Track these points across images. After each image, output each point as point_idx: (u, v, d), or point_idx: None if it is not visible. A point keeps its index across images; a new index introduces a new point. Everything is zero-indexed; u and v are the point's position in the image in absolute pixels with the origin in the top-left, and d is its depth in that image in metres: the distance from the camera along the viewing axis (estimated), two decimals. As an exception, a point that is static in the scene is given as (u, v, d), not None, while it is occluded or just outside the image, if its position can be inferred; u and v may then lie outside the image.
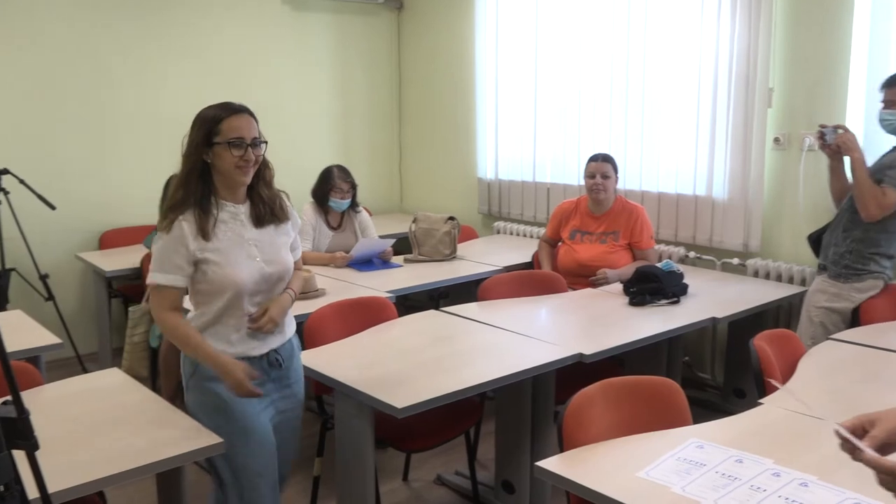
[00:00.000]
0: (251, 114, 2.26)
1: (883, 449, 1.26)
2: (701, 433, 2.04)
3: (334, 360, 2.65)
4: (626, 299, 3.44)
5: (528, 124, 5.08)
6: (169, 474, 2.15)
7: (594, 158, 3.99)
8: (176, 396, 3.89)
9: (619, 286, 3.60)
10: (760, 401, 2.29)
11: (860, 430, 1.30)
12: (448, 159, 5.76)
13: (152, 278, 2.19)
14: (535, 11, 4.92)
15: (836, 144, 3.16)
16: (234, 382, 2.16)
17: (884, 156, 3.23)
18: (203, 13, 5.16)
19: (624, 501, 1.71)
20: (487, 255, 4.45)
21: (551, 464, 1.91)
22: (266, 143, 2.28)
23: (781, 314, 3.92)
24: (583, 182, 4.05)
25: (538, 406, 2.97)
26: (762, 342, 2.58)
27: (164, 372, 3.94)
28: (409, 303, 4.30)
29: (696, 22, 4.10)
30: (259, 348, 2.31)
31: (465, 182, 5.62)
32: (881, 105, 3.14)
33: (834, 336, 2.92)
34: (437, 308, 3.36)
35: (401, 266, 4.19)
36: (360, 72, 5.90)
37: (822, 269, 3.36)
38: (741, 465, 1.84)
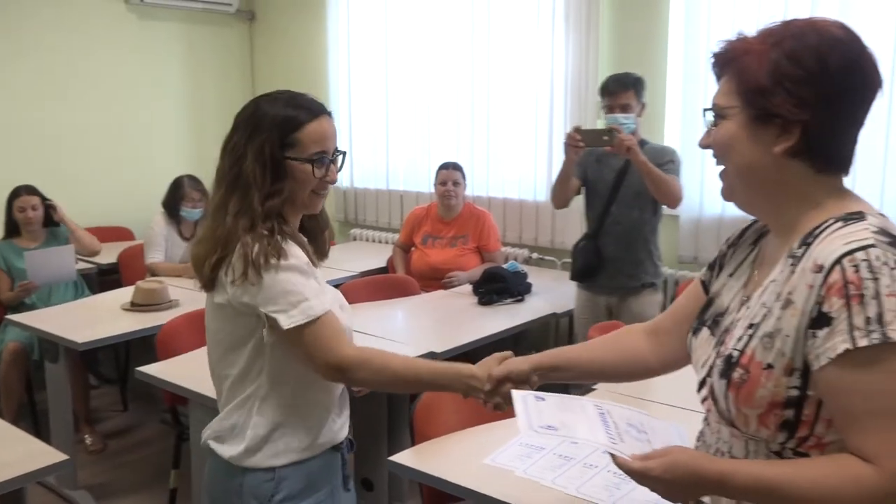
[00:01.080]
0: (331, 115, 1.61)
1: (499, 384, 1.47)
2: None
3: (188, 371, 2.56)
4: (475, 299, 3.54)
5: (382, 133, 5.11)
6: (10, 496, 2.00)
7: (444, 166, 4.07)
8: (19, 417, 3.64)
9: (468, 287, 3.69)
10: (593, 386, 2.42)
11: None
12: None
13: (310, 310, 1.45)
14: (385, 23, 4.97)
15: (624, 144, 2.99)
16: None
17: (631, 162, 3.12)
18: (42, 20, 4.83)
19: (471, 487, 1.76)
20: (344, 261, 4.44)
21: (403, 458, 1.93)
22: (343, 153, 1.64)
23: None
24: (433, 189, 4.13)
25: (393, 405, 3.00)
26: (595, 333, 2.73)
27: (4, 392, 3.67)
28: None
29: (533, 40, 4.28)
30: (344, 428, 1.65)
31: (321, 191, 5.57)
32: (604, 111, 3.17)
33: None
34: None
35: (258, 275, 4.09)
36: (213, 82, 5.72)
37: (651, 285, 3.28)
38: (576, 446, 1.92)
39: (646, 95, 3.22)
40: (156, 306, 3.25)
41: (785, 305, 1.03)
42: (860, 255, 0.96)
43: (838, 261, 0.97)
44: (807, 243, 1.04)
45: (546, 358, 1.51)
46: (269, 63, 5.86)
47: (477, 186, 4.63)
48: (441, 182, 4.02)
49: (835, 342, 0.96)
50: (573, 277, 3.37)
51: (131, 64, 5.30)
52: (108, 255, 4.39)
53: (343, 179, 5.38)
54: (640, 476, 1.08)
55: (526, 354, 1.56)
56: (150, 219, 4.18)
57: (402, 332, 3.08)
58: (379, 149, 5.15)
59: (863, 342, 0.94)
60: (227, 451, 1.52)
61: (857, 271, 0.96)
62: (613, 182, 3.22)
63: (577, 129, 3.10)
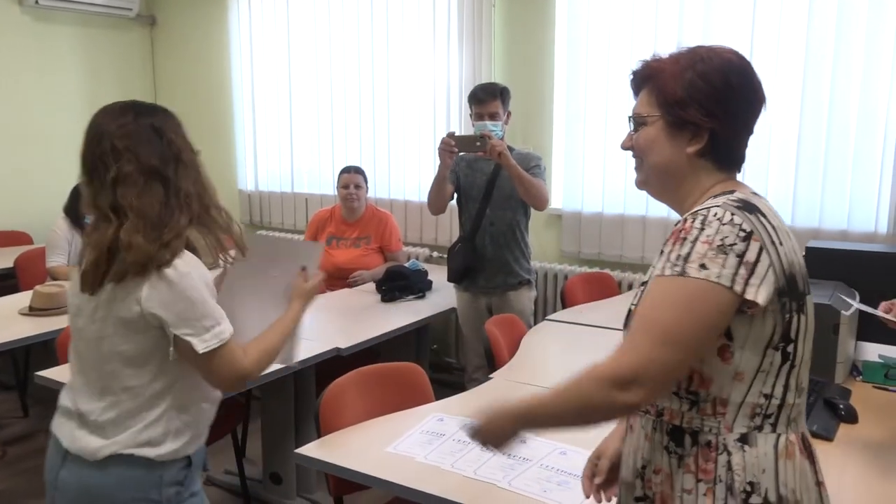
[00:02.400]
0: None
1: (612, 471, 1.37)
2: (442, 408, 2.18)
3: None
4: (379, 297, 3.54)
5: (286, 137, 5.03)
6: None
7: (346, 170, 4.03)
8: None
9: (372, 286, 3.69)
10: (491, 375, 2.48)
11: (592, 466, 1.42)
12: (209, 171, 5.50)
13: (221, 334, 1.55)
14: (287, 28, 4.89)
15: (494, 149, 3.04)
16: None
17: (500, 167, 3.20)
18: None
19: (373, 474, 1.77)
20: (250, 262, 4.34)
21: (309, 450, 1.92)
22: None
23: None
24: (337, 192, 4.09)
25: (300, 400, 2.97)
26: (492, 326, 2.80)
27: None
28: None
29: (430, 48, 4.32)
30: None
31: (226, 193, 5.42)
32: (473, 118, 3.22)
33: (549, 317, 3.23)
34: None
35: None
36: (113, 87, 5.46)
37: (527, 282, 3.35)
38: (474, 431, 1.98)
39: (510, 104, 3.30)
40: (56, 310, 3.08)
41: (659, 257, 1.17)
42: (703, 211, 1.13)
43: (685, 216, 1.15)
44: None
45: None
46: (171, 68, 5.66)
47: (379, 189, 4.63)
48: (343, 186, 3.99)
49: (655, 269, 1.15)
50: (451, 279, 3.39)
51: (27, 67, 5.00)
52: (4, 259, 4.13)
53: (248, 182, 5.27)
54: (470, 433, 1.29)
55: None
56: (50, 223, 3.96)
57: (307, 329, 3.02)
58: (283, 152, 5.06)
59: (667, 272, 1.10)
60: (152, 452, 1.56)
61: (693, 221, 1.12)
62: (486, 186, 3.28)
63: (451, 135, 3.16)
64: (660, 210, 3.74)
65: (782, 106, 3.40)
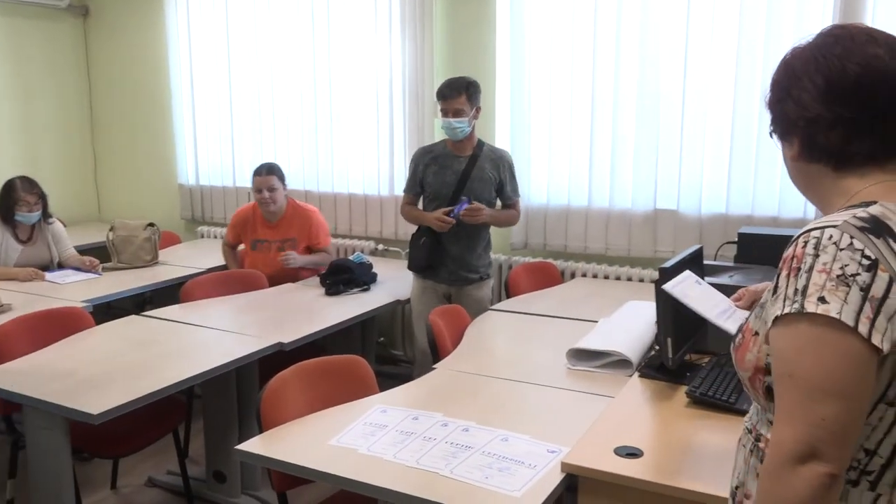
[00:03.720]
0: None
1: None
2: (385, 400, 2.17)
3: (22, 376, 2.36)
4: (323, 290, 3.51)
5: (226, 130, 4.93)
6: None
7: (258, 172, 3.80)
8: None
9: (316, 280, 3.65)
10: (434, 366, 2.48)
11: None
12: (148, 166, 5.38)
13: None
14: (227, 19, 4.77)
15: (469, 215, 3.17)
16: None
17: (472, 165, 3.27)
18: None
19: (315, 468, 1.76)
20: (190, 258, 4.25)
21: (250, 445, 1.89)
22: None
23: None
24: (251, 195, 3.94)
25: (244, 396, 2.93)
26: (435, 317, 2.80)
27: None
28: (114, 311, 3.96)
29: (372, 41, 4.29)
30: None
31: (166, 188, 5.30)
32: (440, 115, 3.24)
33: (493, 307, 3.25)
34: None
35: (99, 275, 3.84)
36: (44, 79, 5.27)
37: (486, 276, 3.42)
38: (417, 421, 1.98)
39: (480, 99, 3.30)
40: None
41: (774, 289, 1.04)
42: (815, 233, 0.98)
43: (799, 237, 1.01)
44: None
45: None
46: (105, 60, 5.47)
47: (322, 182, 4.59)
48: (257, 190, 3.77)
49: (774, 308, 0.99)
50: (412, 268, 3.41)
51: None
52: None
53: (188, 177, 5.15)
54: None
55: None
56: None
57: (249, 325, 2.99)
58: (224, 145, 4.96)
59: (786, 310, 0.96)
60: None
61: (804, 247, 0.98)
62: (456, 185, 3.28)
63: (447, 213, 3.22)
64: (602, 201, 3.80)
65: (717, 98, 3.48)
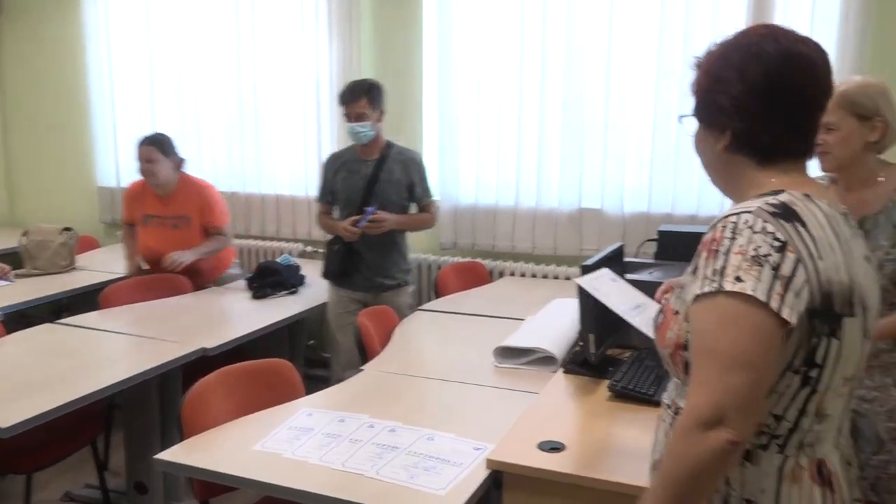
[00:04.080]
0: None
1: None
2: (311, 403, 2.15)
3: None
4: (250, 294, 3.44)
5: (148, 129, 4.71)
6: None
7: (140, 142, 3.59)
8: None
9: (242, 283, 3.58)
10: (362, 367, 2.47)
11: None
12: (65, 167, 5.15)
13: None
14: (148, 17, 4.62)
15: (371, 226, 3.15)
16: None
17: (380, 168, 3.23)
18: None
19: (238, 475, 1.72)
20: (110, 263, 4.10)
21: (170, 454, 1.84)
22: None
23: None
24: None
25: (166, 405, 2.84)
26: (364, 318, 2.78)
27: None
28: (29, 320, 3.78)
29: (298, 41, 4.23)
30: None
31: (84, 190, 5.09)
32: (345, 119, 3.20)
33: (422, 307, 3.25)
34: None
35: (11, 283, 3.66)
36: (-50, 76, 5.01)
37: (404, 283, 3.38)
38: (343, 423, 1.97)
39: (384, 101, 3.25)
40: None
41: (693, 270, 1.12)
42: (733, 218, 1.06)
43: (717, 223, 1.09)
44: None
45: None
46: (19, 56, 5.21)
47: (250, 183, 4.50)
48: (137, 159, 3.57)
49: (693, 287, 1.06)
50: (326, 276, 3.35)
51: None
52: None
53: (109, 179, 4.97)
54: None
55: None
56: None
57: (171, 331, 2.90)
58: (146, 147, 4.80)
59: (705, 289, 1.03)
60: None
61: (723, 231, 1.06)
62: (365, 190, 3.23)
63: (354, 224, 3.16)
64: (529, 201, 3.85)
65: (639, 100, 3.58)
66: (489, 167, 3.92)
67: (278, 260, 3.71)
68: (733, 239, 1.03)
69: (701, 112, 1.18)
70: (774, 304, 0.99)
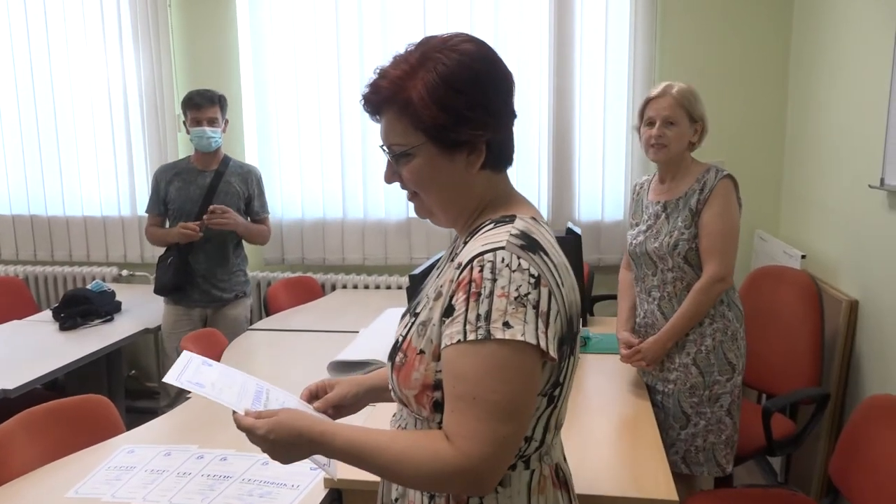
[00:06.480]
0: None
1: (337, 411, 1.31)
2: (133, 438, 2.01)
3: None
4: (57, 325, 3.16)
5: None
6: None
7: None
8: None
9: (48, 314, 3.29)
10: (188, 395, 2.35)
11: (322, 391, 1.33)
12: None
13: None
14: (8, 23, 4.11)
15: (217, 217, 3.06)
16: None
17: (219, 179, 3.16)
18: None
19: (49, 526, 1.58)
20: None
21: (-34, 513, 1.65)
22: None
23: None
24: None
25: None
26: (187, 342, 2.65)
27: None
28: None
29: (100, 50, 3.96)
30: None
31: None
32: (188, 124, 3.11)
33: (252, 327, 3.16)
34: None
35: None
36: None
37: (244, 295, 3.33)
38: (169, 457, 1.86)
39: (228, 113, 3.22)
40: None
41: (436, 297, 1.06)
42: (489, 256, 1.00)
43: (472, 260, 1.01)
44: (465, 242, 1.09)
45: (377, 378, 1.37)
46: None
47: (52, 205, 4.14)
48: None
49: (452, 331, 0.99)
50: (160, 292, 3.21)
51: None
52: None
53: None
54: (248, 433, 1.10)
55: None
56: None
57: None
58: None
59: (471, 336, 0.97)
60: None
61: (481, 271, 0.99)
62: (202, 200, 3.12)
63: (200, 227, 3.04)
64: (357, 212, 3.86)
65: (538, 114, 3.63)
66: (314, 180, 3.88)
67: (89, 287, 3.44)
68: (494, 280, 0.98)
69: (443, 135, 1.05)
70: (543, 344, 0.97)
